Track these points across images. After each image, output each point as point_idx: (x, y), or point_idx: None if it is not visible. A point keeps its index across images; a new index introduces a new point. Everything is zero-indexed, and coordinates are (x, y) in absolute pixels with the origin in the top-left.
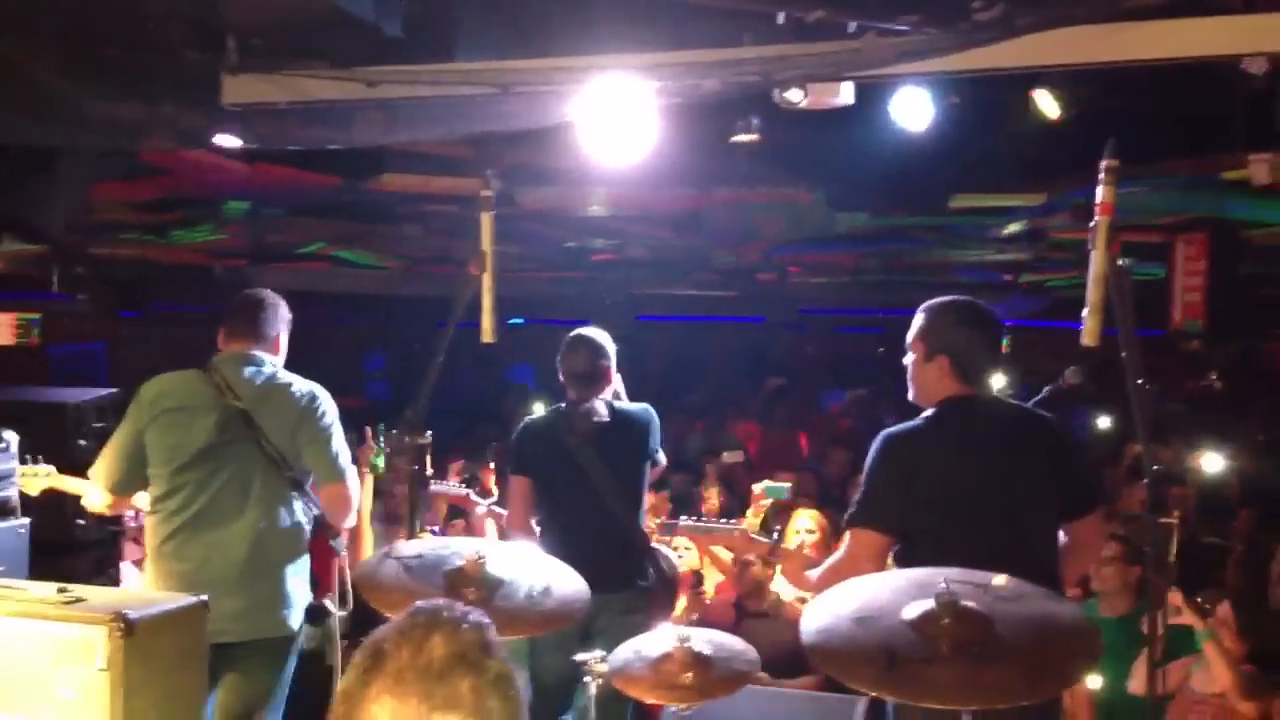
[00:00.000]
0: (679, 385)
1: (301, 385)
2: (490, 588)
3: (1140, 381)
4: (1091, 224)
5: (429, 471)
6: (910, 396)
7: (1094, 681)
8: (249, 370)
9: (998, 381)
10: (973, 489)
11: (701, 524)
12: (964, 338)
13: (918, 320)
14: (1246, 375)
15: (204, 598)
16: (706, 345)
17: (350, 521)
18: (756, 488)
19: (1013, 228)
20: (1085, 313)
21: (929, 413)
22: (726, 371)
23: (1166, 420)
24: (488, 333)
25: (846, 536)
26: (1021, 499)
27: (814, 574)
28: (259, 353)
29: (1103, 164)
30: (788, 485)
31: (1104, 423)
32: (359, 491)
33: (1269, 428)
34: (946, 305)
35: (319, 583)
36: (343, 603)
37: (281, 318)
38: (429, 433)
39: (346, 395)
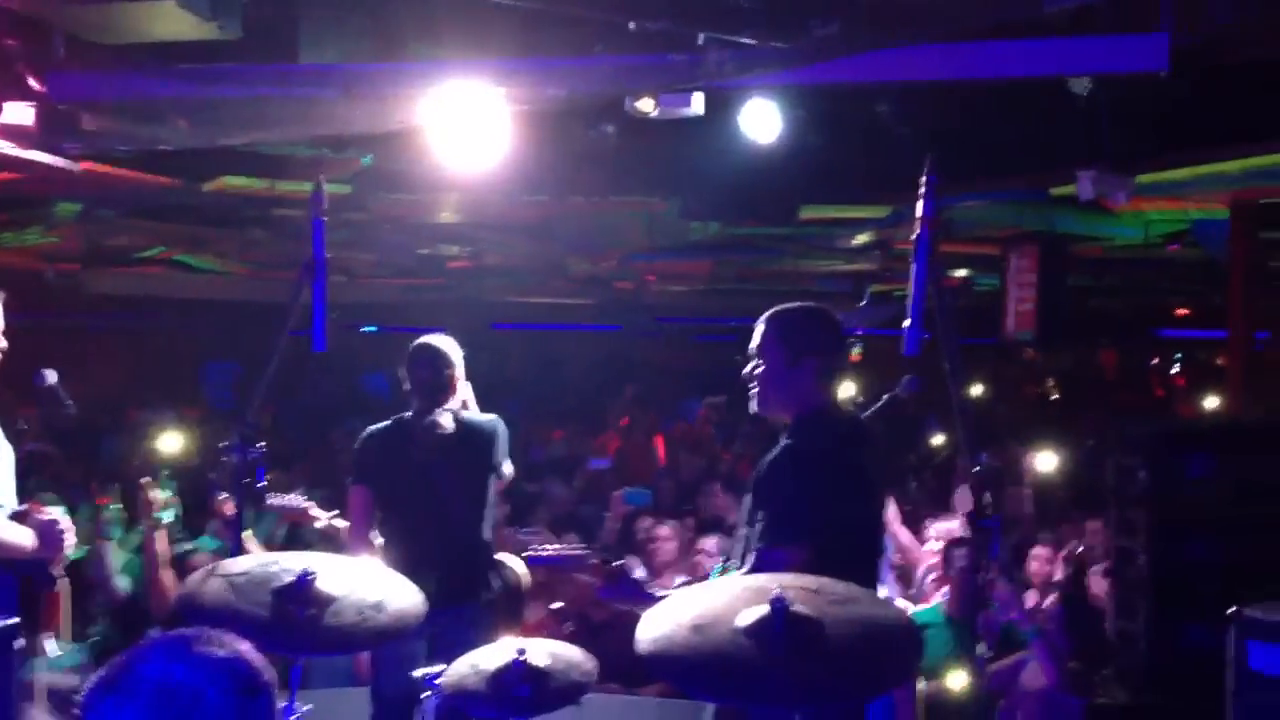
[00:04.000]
0: (537, 394)
1: None
2: (321, 604)
3: (961, 390)
4: (912, 237)
5: (263, 484)
6: (758, 407)
7: (930, 679)
8: None
9: (847, 390)
10: (868, 501)
11: (551, 554)
12: (825, 340)
13: (769, 326)
14: (1079, 382)
15: (14, 620)
16: (564, 354)
17: None
18: (617, 495)
19: (860, 238)
20: (906, 324)
21: (816, 426)
22: (585, 380)
23: (1003, 425)
24: (319, 341)
25: (753, 558)
26: (882, 502)
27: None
28: None
29: (922, 179)
30: (648, 492)
31: (940, 429)
32: None
33: (1099, 432)
34: (804, 309)
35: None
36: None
37: None
38: (261, 445)
39: (188, 405)
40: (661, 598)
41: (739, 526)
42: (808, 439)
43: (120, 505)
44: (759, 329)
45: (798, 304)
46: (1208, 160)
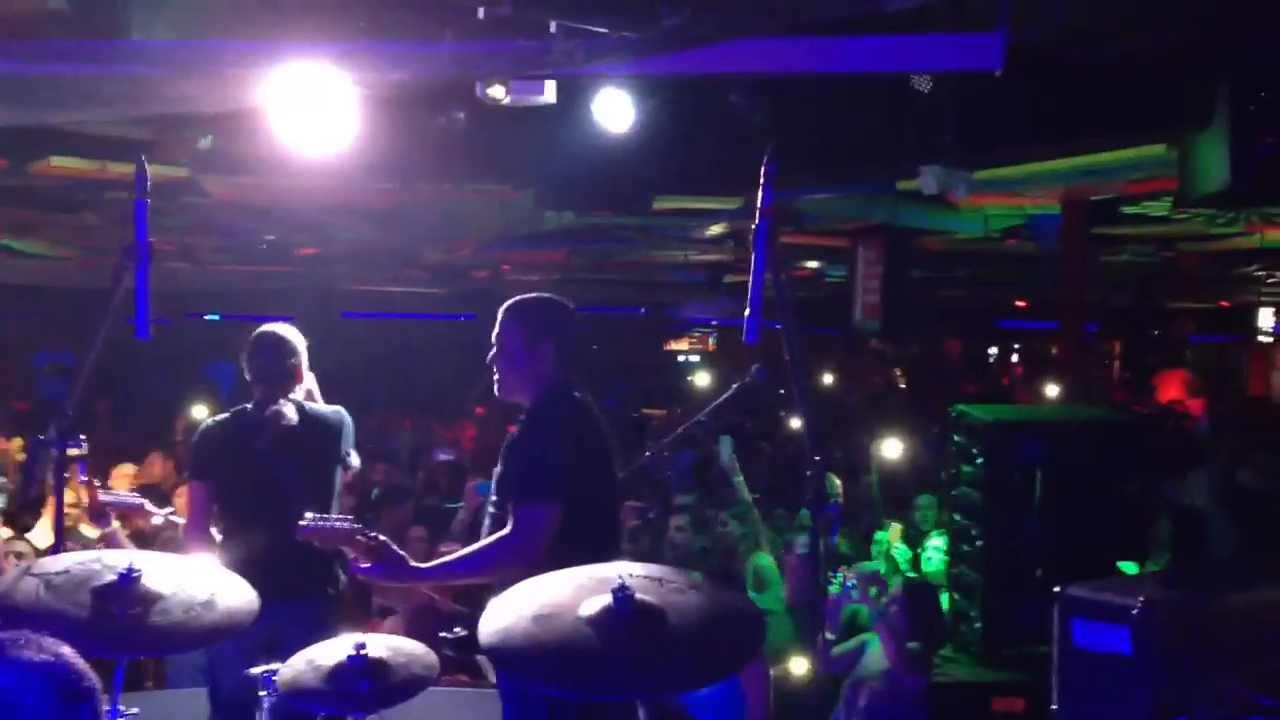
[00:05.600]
0: (388, 384)
1: None
2: (146, 603)
3: (804, 379)
4: (753, 226)
5: (93, 480)
6: (499, 391)
7: (782, 665)
8: None
9: (702, 379)
10: (608, 468)
11: (320, 525)
12: (561, 324)
13: (507, 314)
14: (924, 372)
15: None
16: (417, 343)
17: None
18: (470, 486)
19: (714, 229)
20: (746, 312)
21: (555, 399)
22: (438, 370)
23: (851, 413)
24: (142, 328)
25: (511, 519)
26: (617, 474)
27: (462, 554)
28: None
29: (763, 169)
30: None
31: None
32: None
33: (944, 421)
34: (540, 298)
35: None
36: None
37: None
38: (82, 438)
39: (16, 397)
40: (424, 570)
41: (489, 504)
42: (548, 410)
43: None
44: (499, 318)
45: (535, 294)
46: (1041, 158)
